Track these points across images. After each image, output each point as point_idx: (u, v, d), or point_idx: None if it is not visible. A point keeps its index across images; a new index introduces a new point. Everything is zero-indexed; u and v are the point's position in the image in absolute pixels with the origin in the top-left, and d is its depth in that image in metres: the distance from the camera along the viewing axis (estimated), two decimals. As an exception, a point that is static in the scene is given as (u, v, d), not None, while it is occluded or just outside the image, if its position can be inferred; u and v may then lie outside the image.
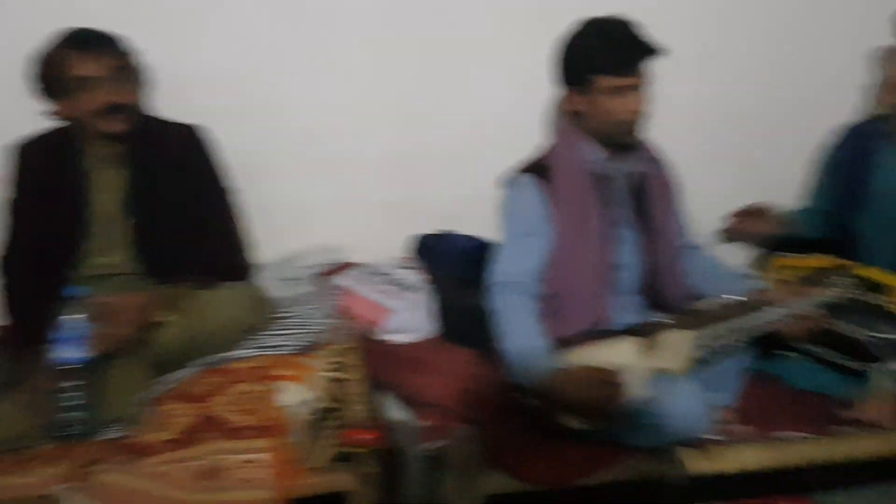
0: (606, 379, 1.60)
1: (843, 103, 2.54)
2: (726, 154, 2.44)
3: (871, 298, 1.99)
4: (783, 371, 2.09)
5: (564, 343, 1.76)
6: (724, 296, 1.85)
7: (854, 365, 1.99)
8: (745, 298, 1.83)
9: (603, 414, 1.60)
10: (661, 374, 1.66)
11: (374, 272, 2.21)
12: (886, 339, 1.93)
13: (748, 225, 2.30)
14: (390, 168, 2.38)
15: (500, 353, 1.78)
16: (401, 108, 2.32)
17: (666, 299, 1.95)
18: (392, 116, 2.32)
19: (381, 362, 1.99)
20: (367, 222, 2.39)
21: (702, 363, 1.79)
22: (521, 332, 1.76)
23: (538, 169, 1.88)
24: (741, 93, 2.40)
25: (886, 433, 1.85)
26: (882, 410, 1.87)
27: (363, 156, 2.35)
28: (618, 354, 1.67)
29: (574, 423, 1.61)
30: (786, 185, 2.51)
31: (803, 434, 1.84)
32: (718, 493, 2.08)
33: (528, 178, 1.87)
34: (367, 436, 1.58)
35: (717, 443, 1.77)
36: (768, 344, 1.95)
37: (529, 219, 1.84)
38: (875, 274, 2.03)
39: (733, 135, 2.43)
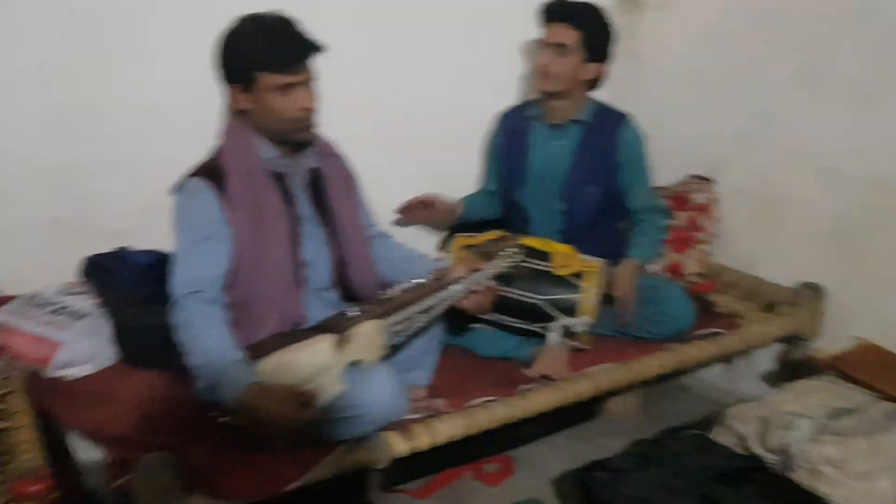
0: (297, 397, 1.57)
1: (507, 90, 2.79)
2: (401, 144, 2.53)
3: (538, 265, 2.19)
4: (471, 342, 2.25)
5: (258, 350, 1.71)
6: (410, 280, 1.91)
7: (530, 327, 2.20)
8: (428, 280, 1.91)
9: (295, 431, 1.58)
10: (355, 367, 1.68)
11: (37, 303, 1.95)
12: (554, 299, 2.15)
13: (420, 215, 2.44)
14: (50, 182, 2.10)
15: (188, 371, 1.67)
16: (56, 113, 2.06)
17: (357, 290, 1.98)
18: (46, 122, 2.05)
19: (56, 402, 1.78)
20: (27, 247, 2.10)
21: (394, 348, 1.85)
22: (209, 346, 1.66)
23: (210, 171, 1.79)
24: (409, 86, 2.50)
25: (559, 384, 2.06)
26: (553, 364, 2.08)
27: (14, 170, 2.06)
28: (311, 355, 1.65)
29: (268, 438, 1.57)
30: (460, 170, 2.69)
31: (493, 398, 1.98)
32: (426, 468, 2.19)
33: (199, 182, 1.77)
34: (37, 486, 1.39)
35: (417, 421, 1.84)
36: (456, 319, 2.07)
37: (204, 223, 1.75)
38: (539, 243, 2.25)
39: (405, 125, 2.53)
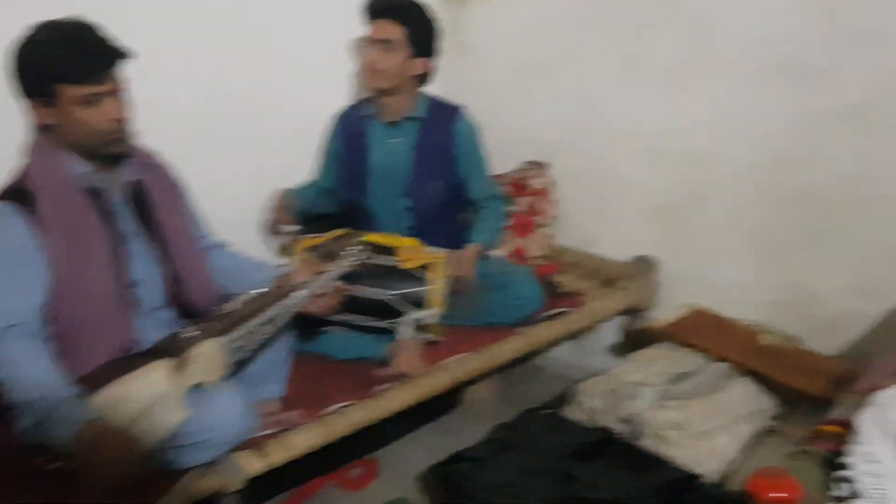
0: (126, 439, 1.48)
1: (339, 88, 2.74)
2: (231, 148, 2.43)
3: (384, 260, 2.17)
4: (324, 347, 2.19)
5: (88, 383, 1.58)
6: (251, 290, 1.83)
7: (383, 324, 2.18)
8: (270, 288, 1.84)
9: (137, 468, 1.48)
10: (197, 389, 1.59)
11: None
12: (402, 294, 2.14)
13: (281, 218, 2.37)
14: None
15: (9, 411, 1.52)
16: None
17: (195, 307, 1.87)
18: None
19: None
20: None
21: (240, 364, 1.77)
22: (34, 384, 1.51)
23: (16, 193, 1.63)
24: (233, 87, 2.39)
25: (415, 380, 2.05)
26: (408, 360, 2.07)
27: None
28: (147, 384, 1.54)
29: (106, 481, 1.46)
30: (295, 172, 2.62)
31: (350, 402, 1.94)
32: (288, 483, 2.12)
33: (4, 206, 1.61)
34: None
35: (272, 436, 1.78)
36: (305, 324, 2.01)
37: (14, 251, 1.59)
38: (383, 238, 2.23)
39: (233, 128, 2.42)
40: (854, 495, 1.50)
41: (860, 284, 2.20)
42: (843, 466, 1.58)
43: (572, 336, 2.66)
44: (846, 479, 1.55)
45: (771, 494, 1.51)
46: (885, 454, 1.55)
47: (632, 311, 2.63)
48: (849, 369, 2.03)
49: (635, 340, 2.54)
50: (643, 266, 2.58)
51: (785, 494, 1.50)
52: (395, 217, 2.43)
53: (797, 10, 2.18)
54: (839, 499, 1.52)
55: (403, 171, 2.38)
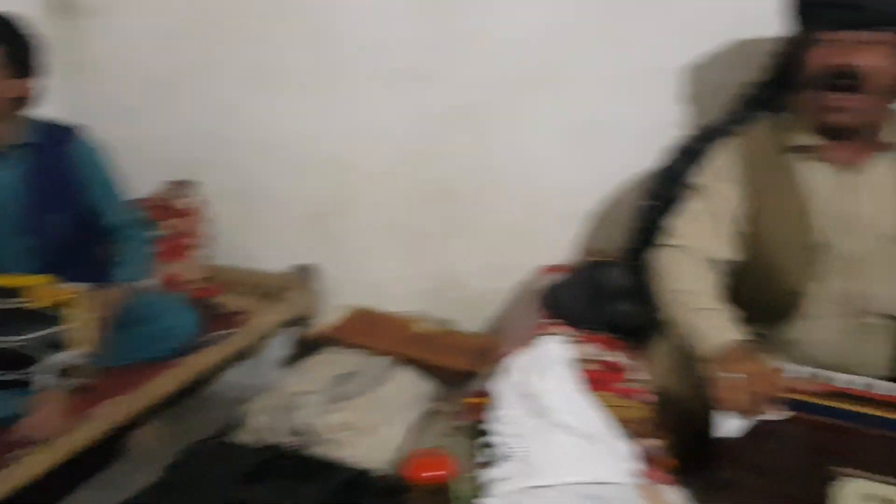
0: None
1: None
2: None
3: (7, 304, 1.93)
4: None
5: None
6: None
7: (14, 376, 1.92)
8: None
9: None
10: None
11: None
12: (35, 337, 1.92)
13: None
14: None
15: None
16: None
17: None
18: None
19: None
20: None
21: None
22: None
23: None
24: None
25: (59, 436, 1.84)
26: (48, 415, 1.85)
27: None
28: None
29: None
30: None
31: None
32: None
33: None
34: None
35: None
36: None
37: None
38: (2, 280, 1.97)
39: None
40: (496, 459, 1.63)
41: (493, 264, 2.44)
42: (485, 433, 1.71)
43: (240, 357, 2.59)
44: (488, 445, 1.68)
45: (425, 474, 1.58)
46: (519, 415, 1.71)
47: (298, 321, 2.63)
48: (490, 342, 2.23)
49: (303, 350, 2.55)
50: (303, 275, 2.60)
51: (437, 472, 1.58)
52: (15, 259, 2.14)
53: (406, 18, 2.33)
54: (483, 464, 1.64)
55: (16, 207, 2.10)
